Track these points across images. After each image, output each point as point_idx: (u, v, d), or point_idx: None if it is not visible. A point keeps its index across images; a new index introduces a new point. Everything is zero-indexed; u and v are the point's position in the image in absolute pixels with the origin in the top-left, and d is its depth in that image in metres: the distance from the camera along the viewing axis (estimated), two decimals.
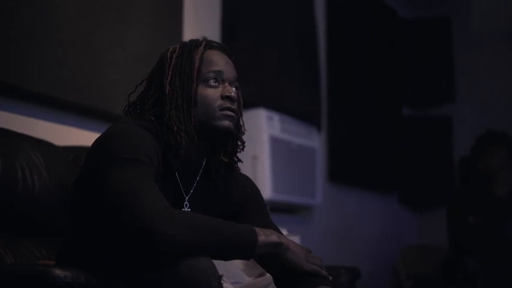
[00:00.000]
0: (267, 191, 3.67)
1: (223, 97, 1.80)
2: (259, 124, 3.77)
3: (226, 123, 1.80)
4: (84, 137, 2.74)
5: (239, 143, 1.92)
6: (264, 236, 1.64)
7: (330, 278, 1.76)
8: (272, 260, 1.71)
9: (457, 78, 5.90)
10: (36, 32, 2.60)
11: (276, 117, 3.91)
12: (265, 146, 3.75)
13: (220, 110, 1.79)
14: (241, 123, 1.93)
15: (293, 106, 4.17)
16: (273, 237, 1.66)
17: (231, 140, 1.89)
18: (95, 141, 1.76)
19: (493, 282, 3.95)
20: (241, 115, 1.91)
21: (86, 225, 1.73)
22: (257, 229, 1.64)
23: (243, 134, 1.94)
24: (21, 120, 2.57)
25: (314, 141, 4.30)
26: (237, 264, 2.49)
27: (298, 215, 4.38)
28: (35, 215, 2.22)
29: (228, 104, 1.80)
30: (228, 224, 1.63)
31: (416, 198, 5.86)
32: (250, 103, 3.64)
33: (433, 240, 5.20)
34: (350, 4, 5.15)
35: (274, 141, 3.83)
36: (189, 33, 3.39)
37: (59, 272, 1.53)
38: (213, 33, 3.62)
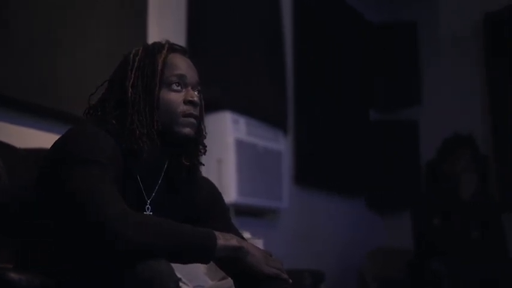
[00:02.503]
0: (232, 194, 3.67)
1: (186, 102, 1.80)
2: (225, 127, 3.76)
3: (187, 130, 1.80)
4: (45, 139, 2.70)
5: (200, 147, 1.91)
6: (224, 240, 1.63)
7: (290, 281, 1.76)
8: (232, 263, 1.70)
9: (424, 82, 5.94)
10: None
11: (242, 120, 3.90)
12: (231, 149, 3.75)
13: (183, 116, 1.79)
14: (203, 127, 1.93)
15: (259, 109, 4.17)
16: (233, 241, 1.66)
17: (193, 144, 1.88)
18: (54, 143, 1.75)
19: (458, 283, 3.98)
20: (202, 119, 1.91)
21: (46, 226, 1.71)
22: (217, 233, 1.64)
23: (205, 137, 1.94)
24: None
25: (280, 144, 4.30)
26: (200, 268, 2.48)
27: (264, 219, 4.37)
28: None
29: (191, 111, 1.80)
30: (187, 227, 1.61)
31: (384, 201, 5.87)
32: (215, 106, 3.63)
33: (400, 243, 5.22)
34: (317, 8, 5.16)
35: (240, 144, 3.82)
36: (154, 34, 3.37)
37: (14, 276, 1.51)
38: (179, 35, 3.61)
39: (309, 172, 4.86)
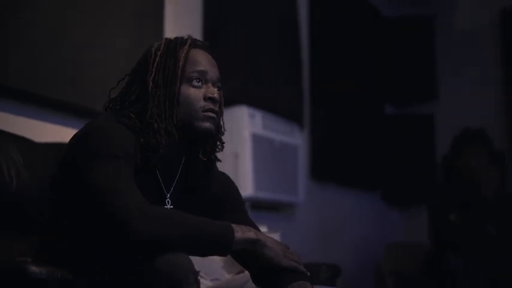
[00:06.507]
0: (248, 188, 3.67)
1: (206, 98, 1.81)
2: (241, 121, 3.76)
3: (207, 125, 1.80)
4: (64, 134, 2.72)
5: (218, 143, 1.92)
6: (241, 232, 1.64)
7: (308, 273, 1.76)
8: (249, 256, 1.71)
9: (439, 77, 5.92)
10: (14, 28, 2.58)
11: (258, 114, 3.90)
12: (247, 144, 3.75)
13: (202, 112, 1.80)
14: (221, 123, 1.93)
15: (275, 103, 4.17)
16: (250, 234, 1.66)
17: (211, 140, 1.88)
18: (73, 136, 1.76)
19: (474, 280, 3.96)
20: (221, 116, 1.92)
21: (65, 221, 1.72)
22: (234, 225, 1.64)
23: (223, 134, 1.94)
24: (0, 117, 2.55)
25: (296, 138, 4.30)
26: (217, 261, 2.49)
27: (281, 213, 4.38)
28: (13, 212, 2.20)
29: (211, 106, 1.81)
30: (205, 220, 1.62)
31: (400, 196, 5.87)
32: (232, 100, 3.63)
33: (417, 238, 5.21)
34: (333, 2, 5.16)
35: (256, 139, 3.82)
36: (171, 29, 3.38)
37: (34, 268, 1.53)
38: (195, 30, 3.62)
39: (325, 166, 4.85)
